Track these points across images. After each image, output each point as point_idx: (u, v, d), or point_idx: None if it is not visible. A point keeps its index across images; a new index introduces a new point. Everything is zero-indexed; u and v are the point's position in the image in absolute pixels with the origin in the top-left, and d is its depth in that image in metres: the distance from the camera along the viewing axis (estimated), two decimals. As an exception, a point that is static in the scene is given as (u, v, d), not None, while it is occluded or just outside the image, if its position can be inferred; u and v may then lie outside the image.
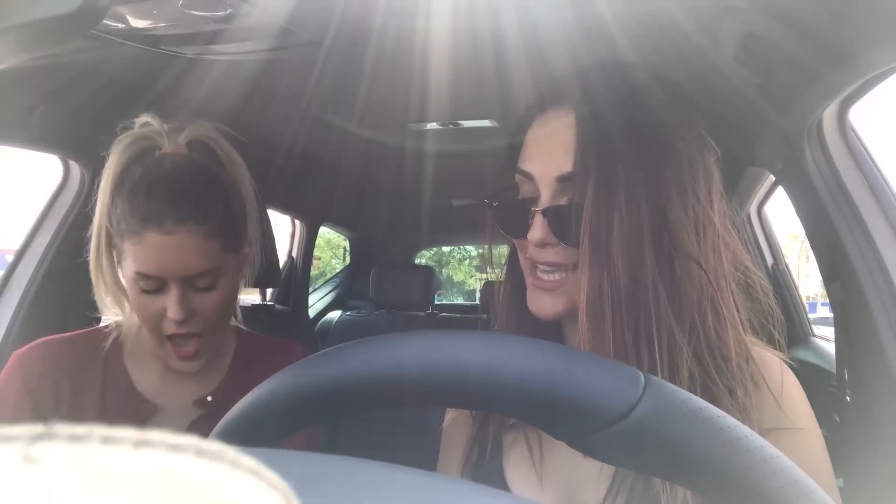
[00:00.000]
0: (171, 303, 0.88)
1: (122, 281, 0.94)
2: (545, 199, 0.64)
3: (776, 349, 0.67)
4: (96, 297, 0.98)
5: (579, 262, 0.62)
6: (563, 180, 0.63)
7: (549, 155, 0.64)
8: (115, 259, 0.94)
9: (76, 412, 0.94)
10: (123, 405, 0.96)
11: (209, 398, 0.99)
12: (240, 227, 0.98)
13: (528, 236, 0.64)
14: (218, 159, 0.96)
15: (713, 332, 0.61)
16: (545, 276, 0.65)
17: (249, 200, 1.00)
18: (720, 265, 0.63)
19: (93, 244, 0.95)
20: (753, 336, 0.66)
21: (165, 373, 0.99)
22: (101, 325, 1.03)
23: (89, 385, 0.96)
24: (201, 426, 0.96)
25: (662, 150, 0.62)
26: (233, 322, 1.08)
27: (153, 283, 0.89)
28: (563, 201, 0.64)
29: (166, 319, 0.90)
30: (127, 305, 0.97)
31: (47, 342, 0.98)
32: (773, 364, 0.65)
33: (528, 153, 0.66)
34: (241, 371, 1.03)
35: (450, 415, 0.78)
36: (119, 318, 1.01)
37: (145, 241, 0.86)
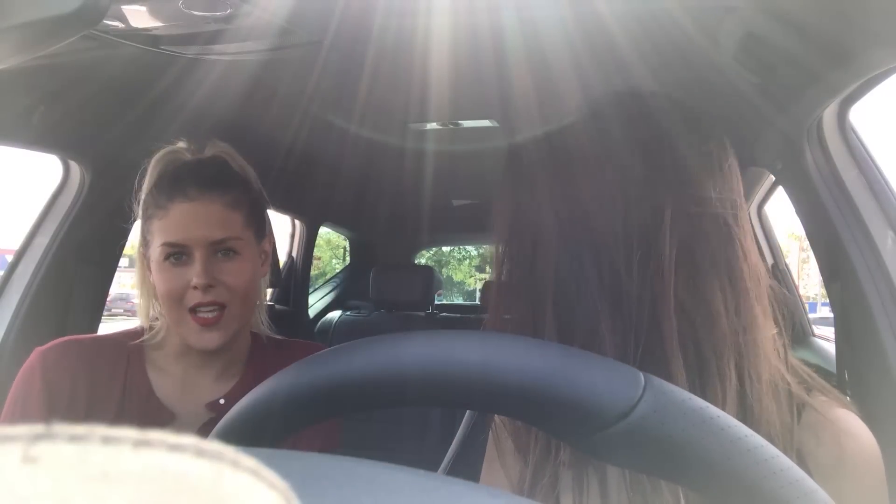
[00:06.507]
0: (196, 269, 0.92)
1: (151, 276, 0.98)
2: None
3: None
4: (139, 305, 1.04)
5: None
6: None
7: None
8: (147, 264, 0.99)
9: (93, 414, 0.95)
10: (142, 412, 0.96)
11: (222, 401, 0.99)
12: (260, 210, 1.03)
13: None
14: (235, 166, 1.04)
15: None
16: None
17: (266, 204, 1.07)
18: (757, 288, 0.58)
19: (137, 257, 1.01)
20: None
21: (185, 378, 1.00)
22: (131, 327, 1.04)
23: (110, 389, 0.96)
24: (211, 430, 0.97)
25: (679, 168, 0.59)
26: (255, 329, 1.09)
27: (179, 251, 0.93)
28: None
29: (190, 291, 0.93)
30: (156, 307, 1.00)
31: (71, 341, 0.98)
32: (845, 426, 0.55)
33: None
34: (256, 374, 1.03)
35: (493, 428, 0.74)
36: (154, 321, 1.02)
37: (171, 212, 0.93)
